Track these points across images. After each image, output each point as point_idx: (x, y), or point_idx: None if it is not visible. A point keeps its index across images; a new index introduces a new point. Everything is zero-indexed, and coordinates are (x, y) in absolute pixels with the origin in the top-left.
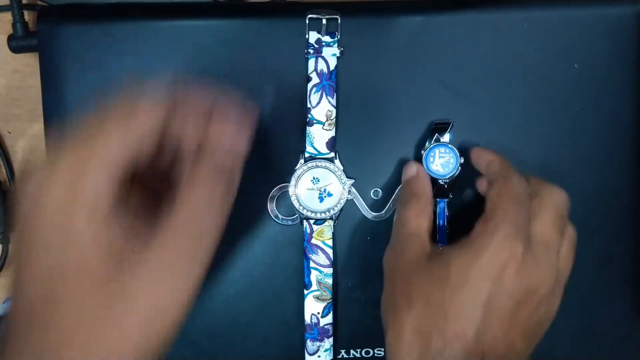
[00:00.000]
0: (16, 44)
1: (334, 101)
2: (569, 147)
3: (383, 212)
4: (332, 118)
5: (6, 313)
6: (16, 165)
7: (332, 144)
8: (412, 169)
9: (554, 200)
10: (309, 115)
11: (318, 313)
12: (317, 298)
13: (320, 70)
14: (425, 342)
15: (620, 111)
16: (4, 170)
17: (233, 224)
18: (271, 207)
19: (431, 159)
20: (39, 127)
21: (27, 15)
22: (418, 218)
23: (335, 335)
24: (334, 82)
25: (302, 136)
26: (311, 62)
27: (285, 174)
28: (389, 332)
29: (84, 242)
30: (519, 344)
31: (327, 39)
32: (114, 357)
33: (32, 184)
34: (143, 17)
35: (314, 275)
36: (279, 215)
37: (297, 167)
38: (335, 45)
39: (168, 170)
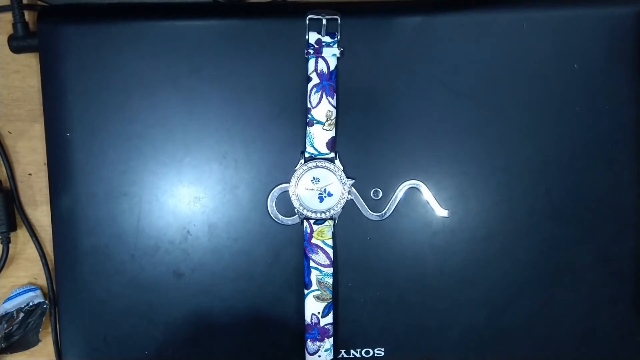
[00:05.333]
0: (16, 44)
1: (334, 101)
2: (569, 147)
3: (383, 212)
4: (332, 118)
5: (7, 313)
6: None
7: (332, 144)
8: None
9: None
10: (309, 115)
11: (318, 313)
12: (317, 298)
13: (320, 71)
14: None
15: (620, 111)
16: (4, 170)
17: (233, 223)
18: (271, 207)
19: None
20: (39, 127)
21: (27, 15)
22: None
23: (335, 335)
24: (334, 82)
25: (302, 136)
26: (311, 63)
27: (285, 174)
28: None
29: None
30: None
31: (327, 39)
32: None
33: None
34: (143, 17)
35: (314, 275)
36: (279, 215)
37: (297, 167)
38: (335, 45)
39: None
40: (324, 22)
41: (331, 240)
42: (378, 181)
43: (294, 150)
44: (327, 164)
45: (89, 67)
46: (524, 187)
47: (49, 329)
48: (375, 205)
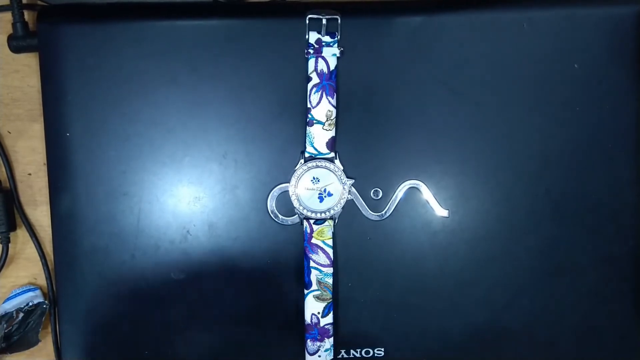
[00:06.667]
0: (16, 44)
1: (334, 101)
2: (569, 147)
3: (383, 212)
4: (332, 118)
5: (6, 313)
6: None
7: (332, 144)
8: None
9: None
10: (309, 115)
11: (318, 313)
12: (317, 298)
13: (320, 70)
14: None
15: (620, 111)
16: (3, 170)
17: (233, 223)
18: (271, 207)
19: None
20: (38, 127)
21: (27, 15)
22: None
23: (335, 335)
24: (334, 82)
25: (302, 136)
26: (311, 62)
27: (285, 173)
28: None
29: None
30: None
31: (327, 39)
32: None
33: None
34: (143, 17)
35: (314, 275)
36: (279, 215)
37: (297, 167)
38: (335, 45)
39: None
40: (324, 21)
41: (331, 240)
42: (378, 181)
43: (294, 150)
44: (327, 164)
45: (88, 67)
46: (524, 187)
47: (49, 329)
48: (375, 205)
